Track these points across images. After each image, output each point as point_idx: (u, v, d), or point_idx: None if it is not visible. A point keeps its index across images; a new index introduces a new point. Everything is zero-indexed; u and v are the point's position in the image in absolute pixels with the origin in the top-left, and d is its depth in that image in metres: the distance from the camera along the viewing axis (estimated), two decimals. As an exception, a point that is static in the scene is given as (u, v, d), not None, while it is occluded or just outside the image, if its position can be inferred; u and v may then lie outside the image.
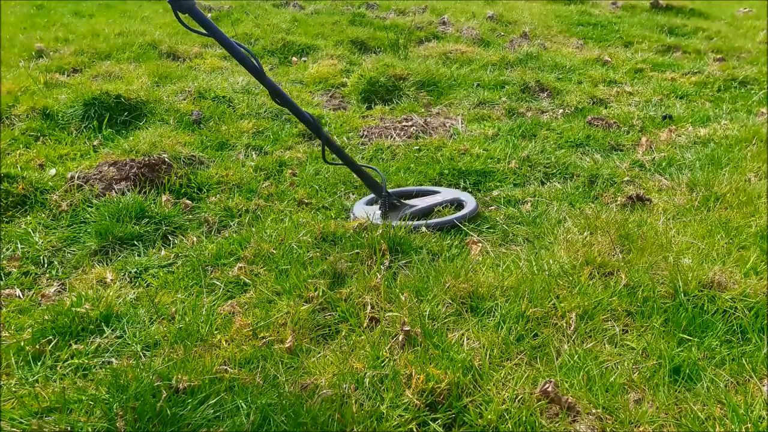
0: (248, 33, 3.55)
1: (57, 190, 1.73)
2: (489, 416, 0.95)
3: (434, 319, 1.18)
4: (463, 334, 1.15)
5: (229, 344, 1.14)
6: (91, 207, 1.66)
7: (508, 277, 1.31)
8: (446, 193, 1.74)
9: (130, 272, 1.41)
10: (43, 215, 1.64)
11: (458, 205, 1.69)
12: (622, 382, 1.03)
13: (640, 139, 2.26)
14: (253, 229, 1.56)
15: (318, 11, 4.23)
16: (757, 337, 1.14)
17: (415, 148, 2.13)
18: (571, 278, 1.31)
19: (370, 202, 1.73)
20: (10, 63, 3.00)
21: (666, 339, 1.14)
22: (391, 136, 2.30)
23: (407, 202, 1.68)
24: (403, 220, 1.55)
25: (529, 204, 1.74)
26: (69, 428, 0.94)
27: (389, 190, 1.65)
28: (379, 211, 1.62)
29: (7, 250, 1.49)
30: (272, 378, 1.05)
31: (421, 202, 1.69)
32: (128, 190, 1.73)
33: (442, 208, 1.69)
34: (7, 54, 3.16)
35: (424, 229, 1.55)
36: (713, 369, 1.06)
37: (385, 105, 2.64)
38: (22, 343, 1.14)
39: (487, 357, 1.08)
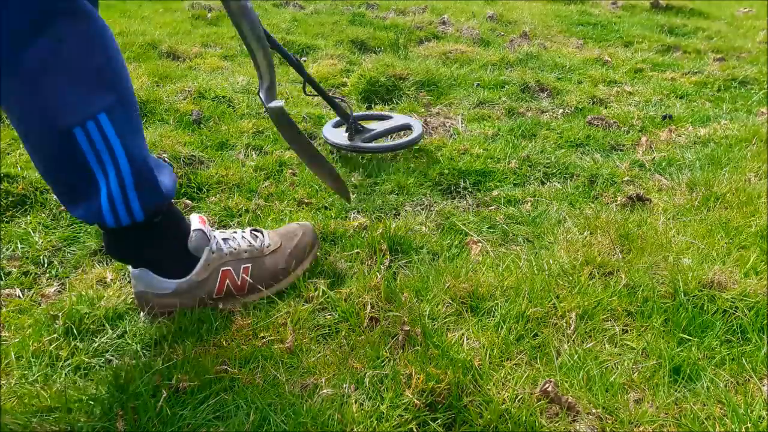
0: (248, 33, 3.55)
1: (57, 190, 1.73)
2: (489, 416, 0.95)
3: (434, 319, 1.18)
4: (463, 334, 1.15)
5: (229, 344, 1.14)
6: (91, 207, 1.66)
7: (508, 276, 1.31)
8: (398, 119, 1.99)
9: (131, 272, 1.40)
10: (43, 215, 1.64)
11: (408, 129, 1.94)
12: (622, 382, 1.04)
13: (640, 139, 2.26)
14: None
15: (318, 11, 4.24)
16: (757, 337, 1.14)
17: (415, 148, 2.13)
18: (571, 278, 1.31)
19: (336, 125, 2.02)
20: (10, 63, 3.00)
21: (666, 339, 1.14)
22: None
23: (367, 126, 1.91)
24: (365, 143, 1.85)
25: (529, 204, 1.74)
26: (69, 428, 0.94)
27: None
28: (346, 134, 1.86)
29: (7, 250, 1.49)
30: (272, 378, 1.06)
31: (378, 126, 1.91)
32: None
33: (396, 132, 1.96)
34: (7, 54, 3.16)
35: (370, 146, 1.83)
36: (713, 369, 1.06)
37: (385, 105, 2.64)
38: (22, 343, 1.14)
39: (487, 357, 1.08)
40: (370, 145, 1.83)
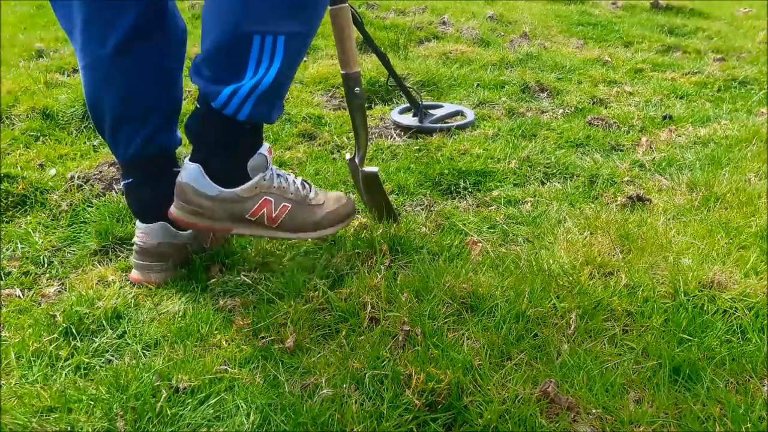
0: (248, 33, 3.54)
1: (57, 190, 1.73)
2: (489, 416, 0.95)
3: (434, 319, 1.18)
4: (463, 334, 1.15)
5: (229, 344, 1.14)
6: (91, 207, 1.66)
7: (508, 277, 1.31)
8: (448, 107, 2.45)
9: (130, 272, 1.41)
10: (43, 215, 1.64)
11: (462, 114, 2.41)
12: (622, 382, 1.03)
13: (640, 139, 2.26)
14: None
15: (318, 11, 4.23)
16: (757, 337, 1.14)
17: (415, 148, 2.14)
18: (571, 278, 1.31)
19: (401, 111, 2.44)
20: (10, 63, 3.00)
21: (666, 339, 1.14)
22: (391, 136, 2.30)
23: (431, 111, 2.38)
24: (430, 126, 2.29)
25: (529, 204, 1.74)
26: (69, 428, 0.94)
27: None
28: (415, 119, 2.31)
29: (7, 250, 1.49)
30: (272, 378, 1.06)
31: (438, 112, 2.37)
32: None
33: (451, 116, 2.40)
34: (7, 54, 3.17)
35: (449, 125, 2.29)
36: (713, 369, 1.06)
37: (385, 105, 2.64)
38: (22, 343, 1.14)
39: (487, 357, 1.08)
40: (440, 125, 2.26)
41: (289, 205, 1.30)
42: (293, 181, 1.33)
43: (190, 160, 1.22)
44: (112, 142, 1.29)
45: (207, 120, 1.18)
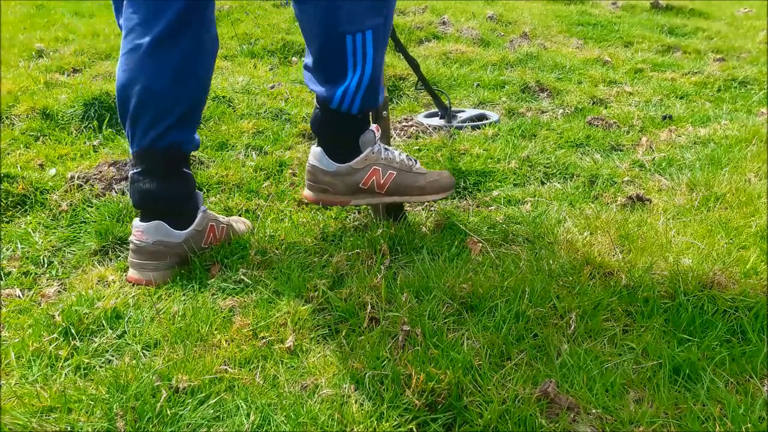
0: (248, 33, 3.55)
1: (57, 190, 1.73)
2: (489, 416, 0.95)
3: (434, 319, 1.18)
4: (463, 334, 1.15)
5: (229, 344, 1.14)
6: (91, 207, 1.66)
7: (508, 277, 1.30)
8: (470, 111, 2.55)
9: (130, 272, 1.40)
10: (43, 215, 1.64)
11: (485, 117, 2.50)
12: (622, 382, 1.03)
13: (640, 139, 2.26)
14: (254, 229, 1.56)
15: (318, 11, 4.23)
16: (757, 338, 1.14)
17: (415, 148, 2.14)
18: (571, 278, 1.31)
19: (428, 116, 2.54)
20: (10, 63, 3.00)
21: (666, 339, 1.14)
22: (391, 136, 2.30)
23: (457, 114, 2.50)
24: (458, 125, 2.39)
25: (529, 204, 1.74)
26: (69, 428, 0.94)
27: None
28: (443, 120, 2.43)
29: (7, 250, 1.49)
30: (272, 378, 1.06)
31: (464, 115, 2.49)
32: (128, 190, 1.72)
33: (475, 118, 2.49)
34: (7, 54, 3.17)
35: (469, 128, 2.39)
36: (713, 369, 1.06)
37: (385, 105, 2.64)
38: (22, 343, 1.14)
39: (487, 357, 1.08)
40: (466, 123, 2.44)
41: (395, 173, 1.48)
42: (399, 154, 1.51)
43: (316, 146, 1.46)
44: (131, 130, 1.34)
45: (328, 118, 1.41)
